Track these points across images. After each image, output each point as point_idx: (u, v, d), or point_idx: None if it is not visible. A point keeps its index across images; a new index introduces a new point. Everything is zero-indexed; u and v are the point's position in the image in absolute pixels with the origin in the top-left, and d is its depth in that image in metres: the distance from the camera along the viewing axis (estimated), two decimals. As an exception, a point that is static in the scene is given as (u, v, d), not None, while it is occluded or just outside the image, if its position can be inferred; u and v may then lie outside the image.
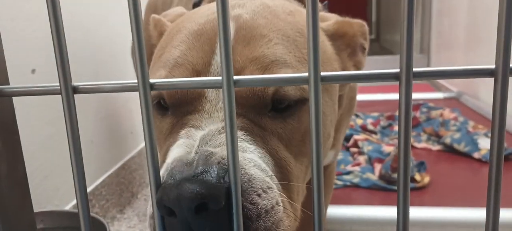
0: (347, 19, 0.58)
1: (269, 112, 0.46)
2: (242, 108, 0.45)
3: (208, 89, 0.45)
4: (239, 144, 0.42)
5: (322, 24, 0.56)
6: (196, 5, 0.74)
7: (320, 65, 0.48)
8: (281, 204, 0.42)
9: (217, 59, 0.46)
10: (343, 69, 0.57)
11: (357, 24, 0.58)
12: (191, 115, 0.46)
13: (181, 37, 0.50)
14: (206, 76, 0.46)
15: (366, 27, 0.59)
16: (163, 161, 0.47)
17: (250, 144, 0.43)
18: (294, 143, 0.47)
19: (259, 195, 0.39)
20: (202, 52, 0.47)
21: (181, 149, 0.42)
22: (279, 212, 0.41)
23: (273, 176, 0.43)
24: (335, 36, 0.57)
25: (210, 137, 0.42)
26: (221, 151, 0.40)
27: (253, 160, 0.42)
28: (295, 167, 0.48)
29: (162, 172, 0.40)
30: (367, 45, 0.60)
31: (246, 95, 0.44)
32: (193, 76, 0.46)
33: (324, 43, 0.55)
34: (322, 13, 0.63)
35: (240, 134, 0.44)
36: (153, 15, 0.61)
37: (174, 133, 0.47)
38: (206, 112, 0.45)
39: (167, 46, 0.51)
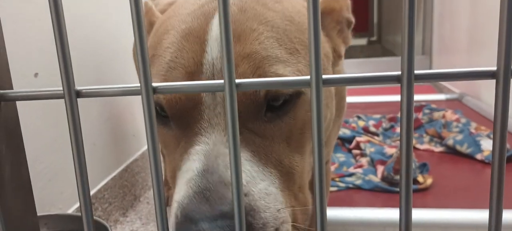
0: None
1: (266, 114, 0.46)
2: (239, 115, 0.44)
3: (204, 95, 0.45)
4: (246, 169, 0.43)
5: (306, 4, 0.53)
6: None
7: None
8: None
9: (208, 57, 0.45)
10: (334, 49, 0.56)
11: None
12: (193, 126, 0.45)
13: (170, 38, 0.48)
14: (199, 77, 0.45)
15: (349, 0, 0.58)
16: (172, 177, 0.48)
17: (256, 166, 0.43)
18: (294, 138, 0.47)
19: None
20: (192, 53, 0.46)
21: (191, 179, 0.42)
22: None
23: (283, 201, 0.44)
24: (323, 15, 0.54)
25: (216, 155, 0.42)
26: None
27: (263, 190, 0.42)
28: (299, 163, 0.48)
29: (177, 199, 0.41)
30: (353, 18, 0.58)
31: (240, 100, 0.44)
32: (187, 79, 0.45)
33: None
34: None
35: (246, 156, 0.43)
36: (146, 1, 0.59)
37: (180, 148, 0.47)
38: (206, 121, 0.45)
39: (157, 47, 0.50)
